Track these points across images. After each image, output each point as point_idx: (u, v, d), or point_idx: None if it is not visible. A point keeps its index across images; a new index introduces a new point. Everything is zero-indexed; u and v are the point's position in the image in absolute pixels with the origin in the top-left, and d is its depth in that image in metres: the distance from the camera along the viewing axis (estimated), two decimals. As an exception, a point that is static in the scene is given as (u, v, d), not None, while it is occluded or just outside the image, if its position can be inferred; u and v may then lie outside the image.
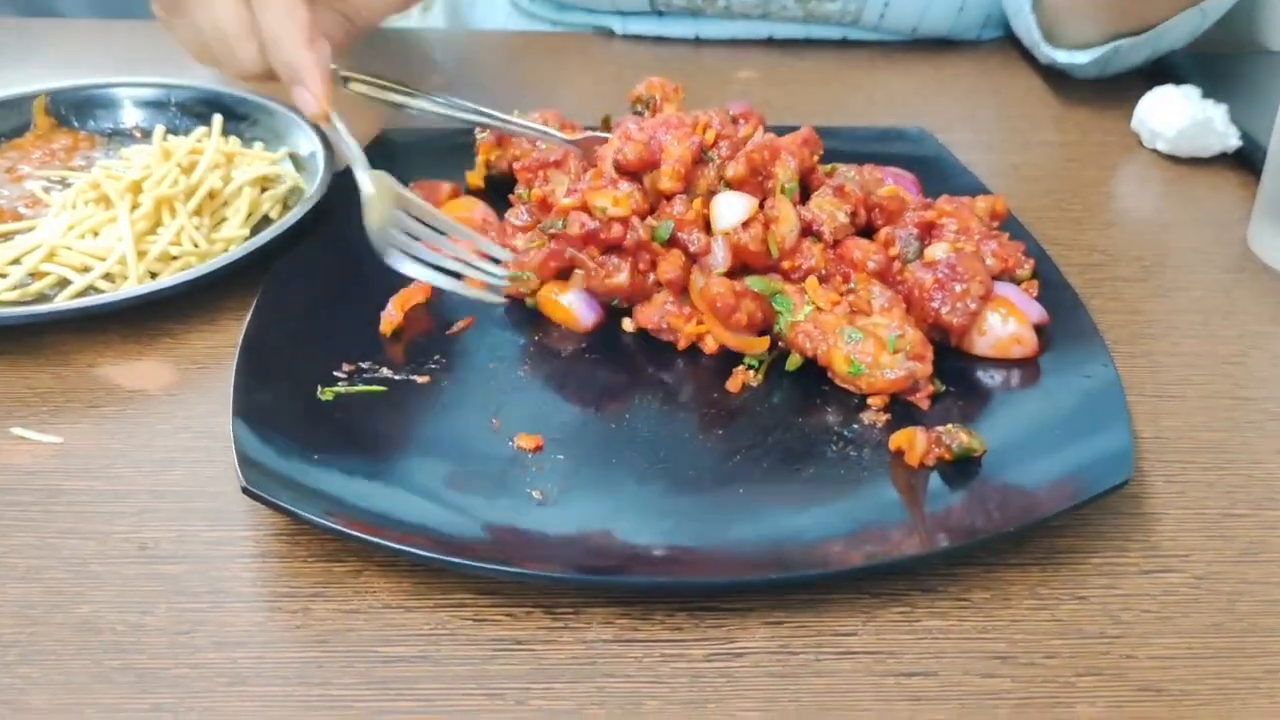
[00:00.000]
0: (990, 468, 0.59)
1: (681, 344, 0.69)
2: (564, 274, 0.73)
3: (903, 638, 0.53)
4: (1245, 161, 0.90)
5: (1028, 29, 1.06)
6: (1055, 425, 0.62)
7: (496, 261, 0.72)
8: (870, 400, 0.65)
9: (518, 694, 0.50)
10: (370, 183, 0.72)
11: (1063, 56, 1.03)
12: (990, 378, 0.67)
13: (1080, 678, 0.51)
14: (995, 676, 0.51)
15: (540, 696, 0.50)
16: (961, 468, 0.59)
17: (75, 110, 0.91)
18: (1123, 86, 1.03)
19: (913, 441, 0.60)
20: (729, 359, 0.68)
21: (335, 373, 0.66)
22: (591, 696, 0.50)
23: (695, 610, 0.54)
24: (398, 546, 0.53)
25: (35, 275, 0.73)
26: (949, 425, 0.60)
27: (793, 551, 0.55)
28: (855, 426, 0.63)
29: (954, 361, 0.67)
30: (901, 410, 0.64)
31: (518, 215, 0.77)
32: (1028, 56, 1.12)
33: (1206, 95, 0.93)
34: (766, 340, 0.68)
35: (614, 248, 0.71)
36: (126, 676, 0.51)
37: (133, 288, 0.71)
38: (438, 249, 0.71)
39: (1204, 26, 1.00)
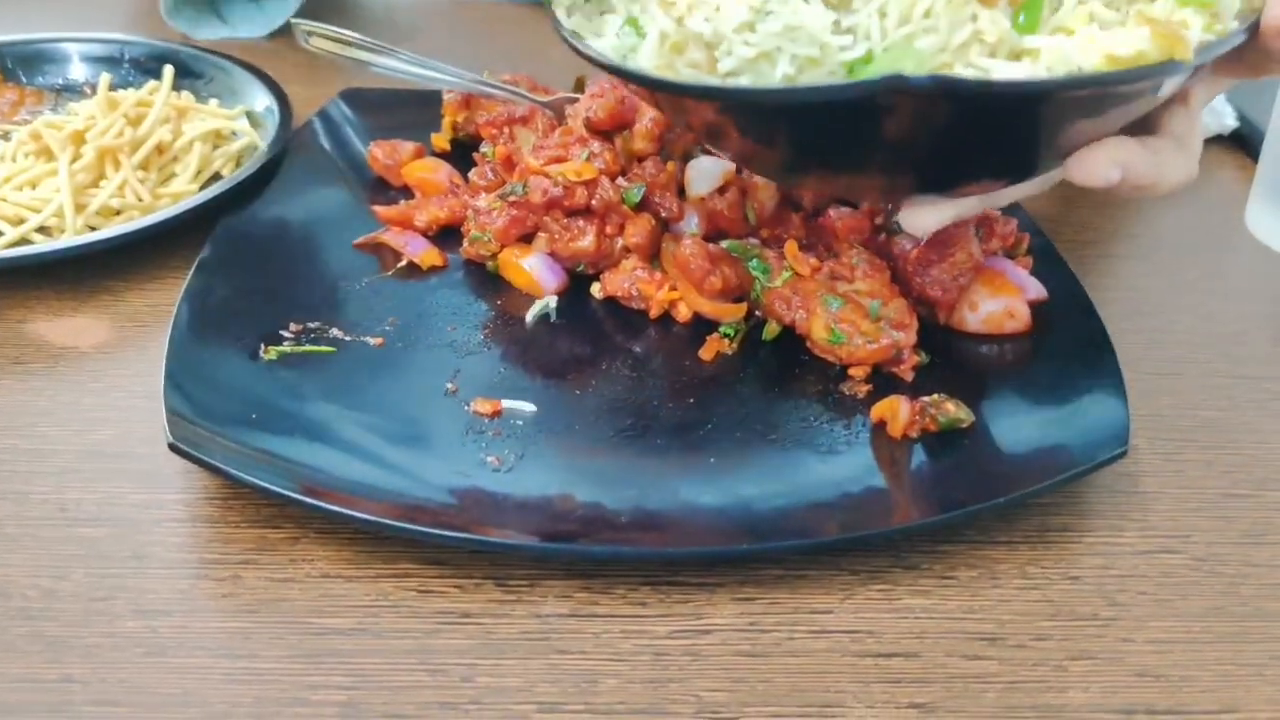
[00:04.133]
0: (977, 441, 0.56)
1: (653, 311, 0.65)
2: (527, 237, 0.69)
3: (882, 616, 0.49)
4: (1242, 143, 0.87)
5: None
6: (1048, 399, 0.58)
7: None
8: (851, 371, 0.61)
9: (463, 670, 0.46)
10: None
11: None
12: (980, 351, 0.63)
13: (1073, 661, 0.47)
14: (981, 658, 0.47)
15: (487, 673, 0.46)
16: (947, 440, 0.56)
17: (22, 64, 0.87)
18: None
19: (896, 411, 0.56)
20: (702, 327, 0.64)
21: (282, 332, 0.61)
22: (543, 674, 0.46)
23: (660, 585, 0.50)
24: (337, 509, 0.49)
25: (-34, 227, 0.69)
26: (935, 395, 0.57)
27: (765, 523, 0.51)
28: (834, 397, 0.59)
29: (941, 335, 0.63)
30: (883, 382, 0.60)
31: (482, 174, 0.73)
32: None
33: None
34: (743, 307, 0.64)
35: (580, 211, 0.67)
36: (35, 645, 0.46)
37: (68, 239, 0.67)
38: None
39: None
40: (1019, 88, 0.47)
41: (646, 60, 0.51)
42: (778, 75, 0.49)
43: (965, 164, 0.52)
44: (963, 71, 0.48)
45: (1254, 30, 0.49)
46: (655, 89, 0.52)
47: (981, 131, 0.50)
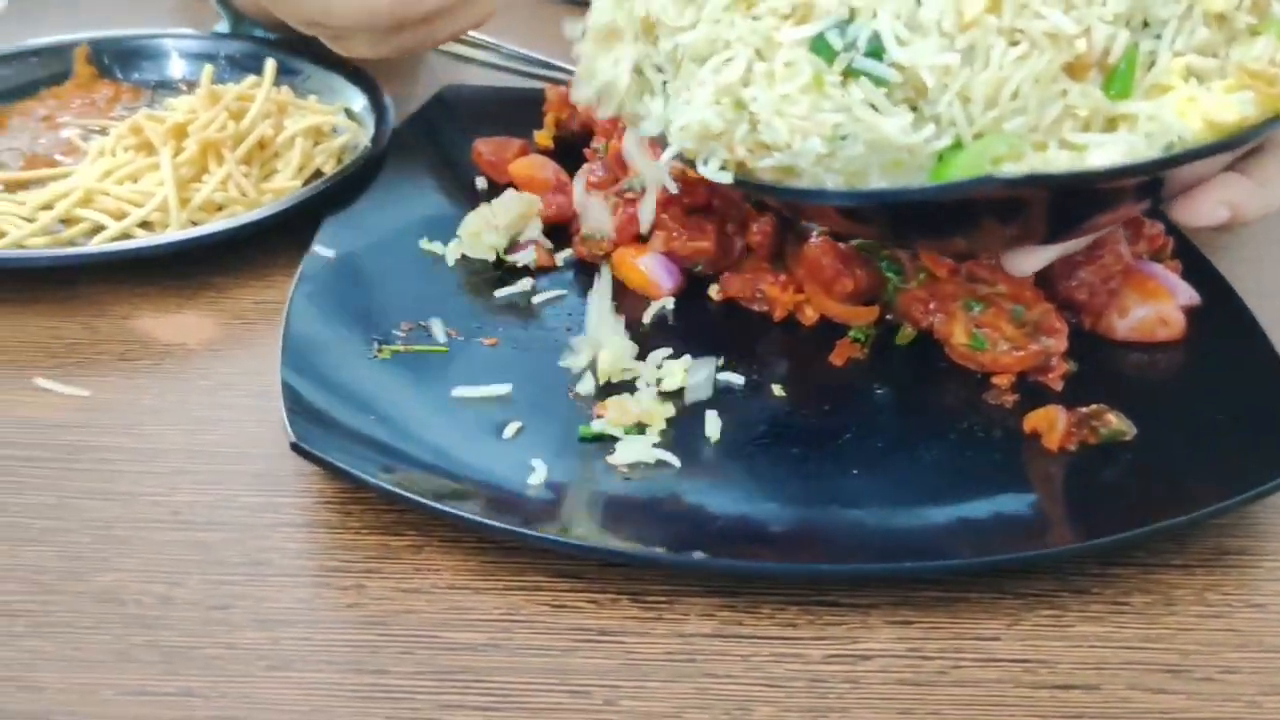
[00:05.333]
0: (1141, 456, 0.52)
1: (777, 314, 0.62)
2: (642, 237, 0.66)
3: (1054, 645, 0.45)
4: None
5: None
6: (1213, 412, 0.54)
7: None
8: (995, 379, 0.57)
9: (605, 692, 0.43)
10: None
11: None
12: (1131, 359, 0.59)
13: (1266, 697, 0.43)
14: (1167, 692, 0.43)
15: (631, 696, 0.43)
16: (1108, 454, 0.52)
17: (119, 60, 0.85)
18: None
19: (1053, 422, 0.52)
20: (829, 330, 0.61)
21: (394, 331, 0.59)
22: (692, 699, 0.42)
23: (809, 605, 0.46)
24: (466, 515, 0.46)
25: (68, 222, 0.67)
26: (1093, 406, 0.53)
27: (920, 540, 0.48)
28: (979, 407, 0.56)
29: (1086, 341, 0.59)
30: (1029, 391, 0.56)
31: (593, 171, 0.70)
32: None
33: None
34: (875, 310, 0.61)
35: (699, 209, 0.64)
36: (151, 655, 0.44)
37: (173, 233, 0.65)
38: None
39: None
40: (1115, 172, 0.46)
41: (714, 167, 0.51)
42: (871, 184, 0.48)
43: (1068, 223, 0.52)
44: (1055, 152, 0.47)
45: None
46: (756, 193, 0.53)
47: (1083, 201, 0.49)
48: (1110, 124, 0.48)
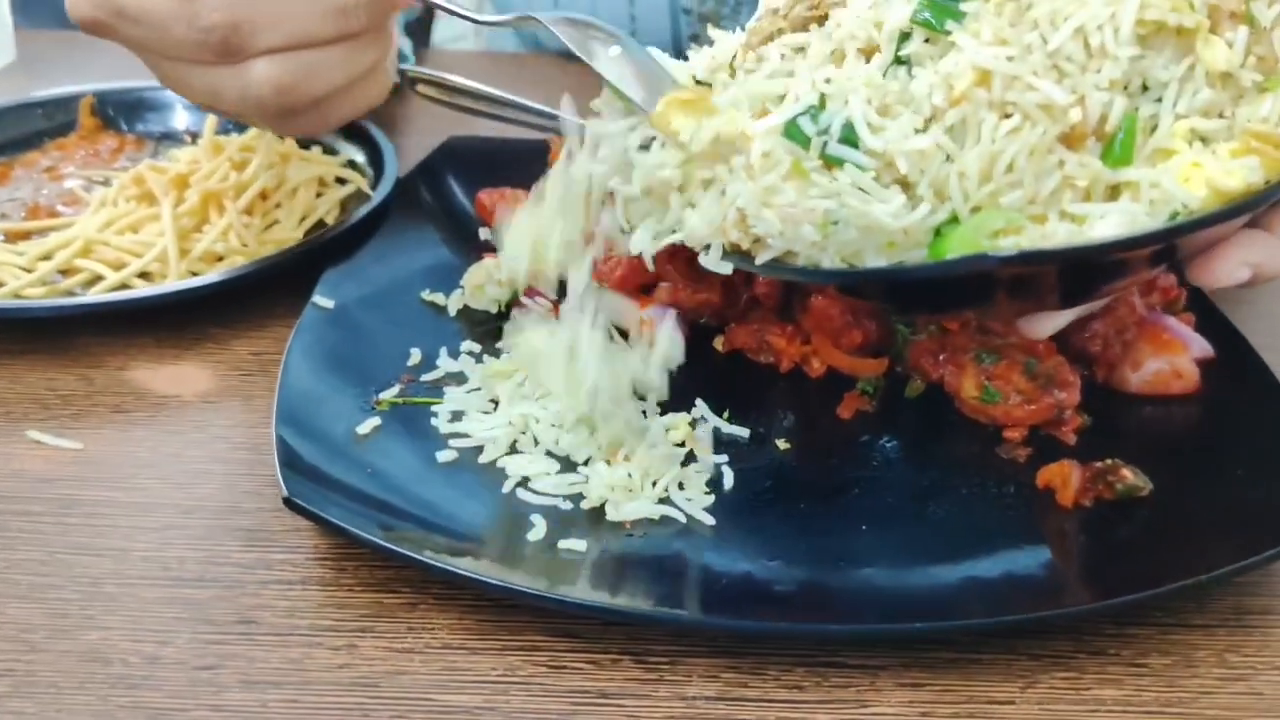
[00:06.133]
0: (1158, 512, 0.50)
1: (784, 366, 0.61)
2: (647, 288, 0.65)
3: (1071, 709, 0.43)
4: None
5: None
6: (1230, 468, 0.53)
7: None
8: (1007, 433, 0.56)
9: (604, 758, 0.41)
10: None
11: None
12: (1145, 413, 0.58)
13: (1294, 767, 0.41)
14: (1190, 760, 0.41)
15: (632, 762, 0.41)
16: (1123, 510, 0.50)
17: (124, 112, 0.85)
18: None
19: (1066, 478, 0.51)
20: (836, 383, 0.60)
21: (392, 383, 0.58)
22: (694, 765, 0.41)
23: (816, 666, 0.45)
24: (464, 572, 0.45)
25: (67, 272, 0.67)
26: (1108, 460, 0.51)
27: (930, 599, 0.46)
28: (991, 461, 0.54)
29: (1099, 395, 0.58)
30: (1042, 445, 0.55)
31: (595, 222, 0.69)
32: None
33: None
34: (883, 362, 0.60)
35: (704, 261, 0.63)
36: (136, 716, 0.42)
37: (170, 284, 0.64)
38: None
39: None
40: (1115, 245, 0.44)
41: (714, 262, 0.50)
42: (868, 264, 0.47)
43: (1082, 291, 0.50)
44: (1055, 225, 0.45)
45: None
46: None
47: (1095, 270, 0.48)
48: (1113, 192, 0.46)
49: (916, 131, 0.45)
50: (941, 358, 0.58)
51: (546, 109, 0.77)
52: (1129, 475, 0.51)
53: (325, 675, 0.44)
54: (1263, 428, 0.55)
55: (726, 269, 0.50)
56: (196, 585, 0.48)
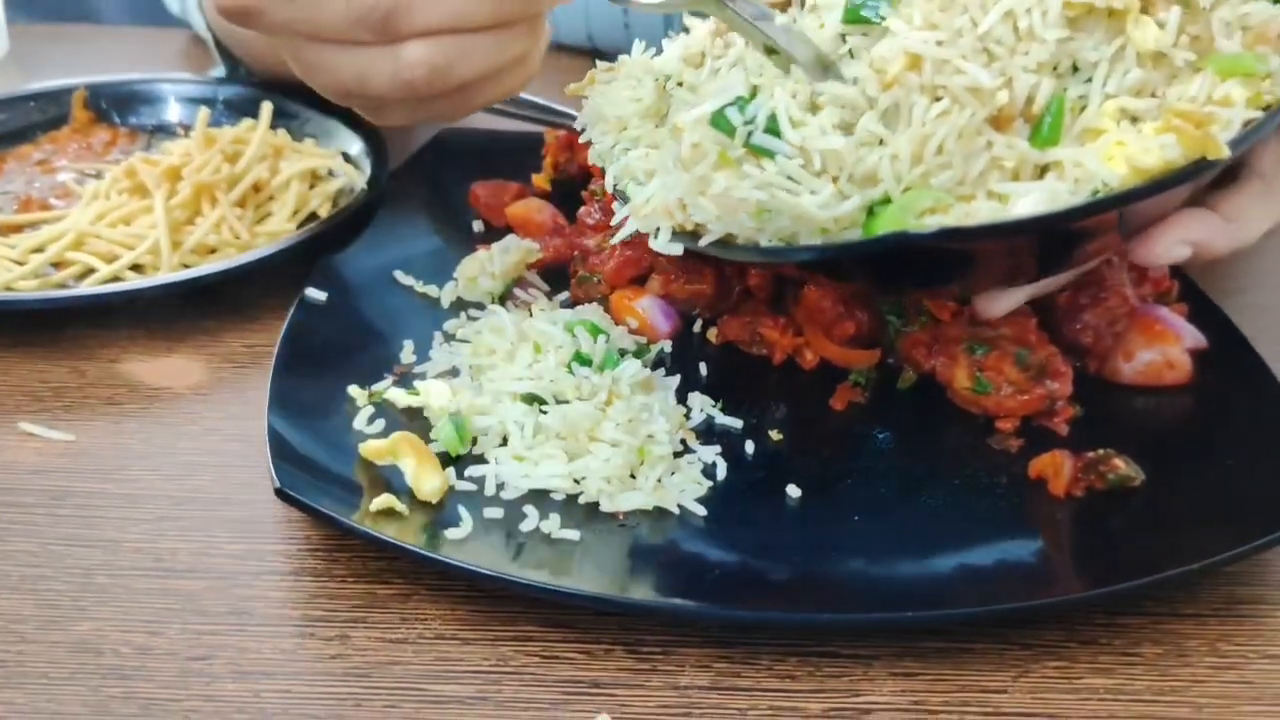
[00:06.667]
0: (1149, 502, 0.50)
1: (776, 357, 0.61)
2: (639, 279, 0.65)
3: (1063, 697, 0.43)
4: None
5: None
6: (1222, 458, 0.53)
7: None
8: (999, 424, 0.56)
9: (597, 747, 0.41)
10: None
11: None
12: (1137, 404, 0.58)
13: (1286, 755, 0.41)
14: (1182, 749, 0.42)
15: (624, 751, 0.41)
16: (1115, 500, 0.51)
17: (117, 105, 0.85)
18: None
19: (1059, 468, 0.51)
20: (829, 374, 0.60)
21: (385, 374, 0.58)
22: (687, 754, 0.41)
23: (808, 655, 0.45)
24: (455, 562, 0.45)
25: (59, 265, 0.67)
26: (1100, 450, 0.51)
27: (923, 588, 0.46)
28: (983, 452, 0.54)
29: (1091, 385, 0.58)
30: (1033, 435, 0.55)
31: (590, 213, 0.69)
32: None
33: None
34: (876, 354, 0.60)
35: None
36: (128, 707, 0.42)
37: (162, 276, 0.64)
38: None
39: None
40: (1033, 222, 0.45)
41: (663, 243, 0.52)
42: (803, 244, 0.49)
43: (1017, 271, 0.52)
44: (980, 204, 0.46)
45: None
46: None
47: (1021, 250, 0.49)
48: (1041, 172, 0.47)
49: (842, 125, 0.47)
50: (933, 349, 0.58)
51: (540, 101, 0.77)
52: (1121, 465, 0.51)
53: (318, 666, 0.44)
54: (1255, 418, 0.55)
55: (677, 250, 0.51)
56: (188, 576, 0.48)
